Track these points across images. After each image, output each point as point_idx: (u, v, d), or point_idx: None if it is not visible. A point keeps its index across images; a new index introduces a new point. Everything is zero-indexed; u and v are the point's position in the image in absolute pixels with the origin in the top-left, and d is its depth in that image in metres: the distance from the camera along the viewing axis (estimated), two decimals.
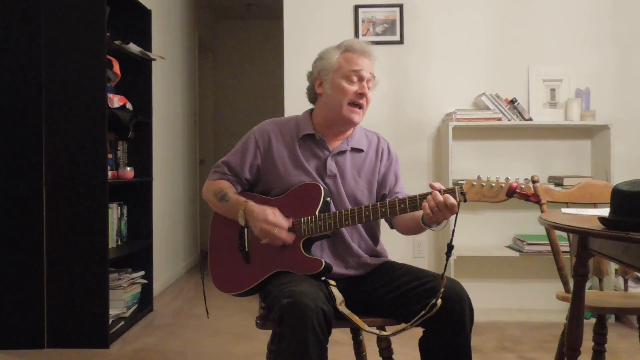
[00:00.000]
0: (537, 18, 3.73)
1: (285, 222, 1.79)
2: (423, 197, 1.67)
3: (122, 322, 3.31)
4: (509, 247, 3.64)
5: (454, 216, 1.66)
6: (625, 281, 2.36)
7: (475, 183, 1.64)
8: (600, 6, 3.71)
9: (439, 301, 1.63)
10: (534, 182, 2.23)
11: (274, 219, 1.78)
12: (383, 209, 1.73)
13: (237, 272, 1.89)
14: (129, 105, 3.42)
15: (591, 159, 3.70)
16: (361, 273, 1.90)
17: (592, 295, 2.19)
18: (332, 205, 1.85)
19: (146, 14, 3.71)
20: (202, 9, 6.12)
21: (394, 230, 2.00)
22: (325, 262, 1.77)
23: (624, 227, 1.37)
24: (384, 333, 1.77)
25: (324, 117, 1.92)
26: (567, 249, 2.30)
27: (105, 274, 3.04)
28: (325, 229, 1.78)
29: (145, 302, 3.68)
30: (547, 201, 2.23)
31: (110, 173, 3.18)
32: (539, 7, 3.73)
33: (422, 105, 3.76)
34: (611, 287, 3.33)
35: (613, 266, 3.29)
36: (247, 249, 1.87)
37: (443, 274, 1.68)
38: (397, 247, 3.14)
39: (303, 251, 1.79)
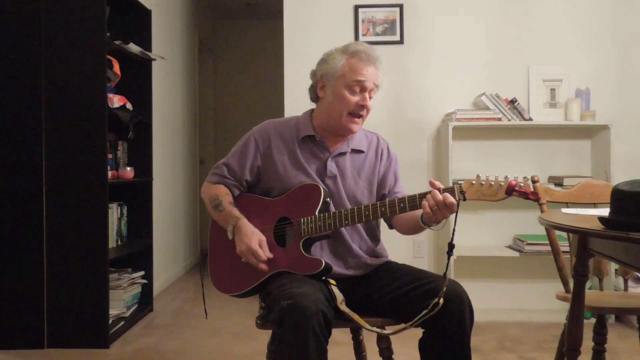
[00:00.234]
0: (537, 18, 3.73)
1: (263, 256, 1.79)
2: (422, 196, 1.67)
3: (122, 322, 3.31)
4: (509, 247, 3.64)
5: (454, 215, 1.67)
6: (625, 281, 2.35)
7: (474, 182, 1.64)
8: (600, 6, 3.71)
9: (441, 300, 1.63)
10: (534, 182, 2.23)
11: (256, 249, 1.79)
12: (383, 209, 1.73)
13: (236, 273, 1.88)
14: (129, 105, 3.42)
15: (591, 159, 3.70)
16: (361, 273, 1.90)
17: (592, 295, 2.18)
18: (332, 205, 1.85)
19: (146, 14, 3.70)
20: (202, 9, 6.12)
21: (394, 230, 2.00)
22: (325, 262, 1.77)
23: (624, 227, 1.37)
24: (384, 332, 1.77)
25: (324, 120, 1.91)
26: (567, 249, 2.30)
27: (105, 274, 3.04)
28: (325, 229, 1.78)
29: (145, 302, 3.67)
30: (547, 201, 2.23)
31: (110, 173, 3.18)
32: (539, 7, 3.73)
33: (422, 105, 3.76)
34: (611, 287, 3.33)
35: (613, 266, 3.29)
36: None
37: (445, 273, 1.68)
38: (397, 247, 3.14)
39: (303, 251, 1.79)
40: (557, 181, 3.50)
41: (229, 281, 1.91)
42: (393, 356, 1.90)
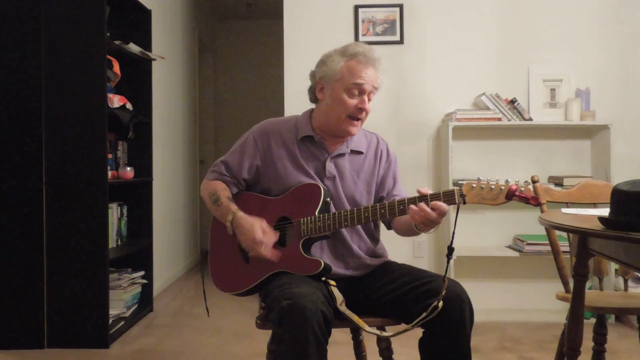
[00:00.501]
0: (537, 18, 3.73)
1: (271, 239, 1.78)
2: (422, 199, 1.67)
3: (122, 322, 3.31)
4: (509, 247, 3.64)
5: (454, 218, 1.66)
6: (625, 281, 2.35)
7: (474, 185, 1.63)
8: (601, 6, 3.71)
9: (440, 303, 1.63)
10: (533, 182, 2.22)
11: (260, 238, 1.77)
12: (382, 210, 1.73)
13: (237, 272, 1.89)
14: (129, 105, 3.42)
15: (591, 159, 3.70)
16: (361, 273, 1.90)
17: (592, 295, 2.18)
18: (332, 205, 1.85)
19: (146, 14, 3.71)
20: (202, 9, 6.12)
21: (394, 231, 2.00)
22: (324, 262, 1.77)
23: (624, 227, 1.37)
24: (384, 334, 1.77)
25: (323, 122, 1.91)
26: (567, 249, 2.29)
27: (105, 274, 3.04)
28: (325, 230, 1.78)
29: (145, 302, 3.67)
30: (547, 201, 2.23)
31: (110, 173, 3.18)
32: (539, 6, 3.73)
33: (422, 105, 3.76)
34: (611, 287, 3.33)
35: (613, 266, 3.29)
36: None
37: (444, 277, 1.68)
38: (397, 247, 3.14)
39: (302, 252, 1.79)
40: (557, 181, 3.50)
41: (230, 280, 1.91)
42: (393, 356, 1.90)
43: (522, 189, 1.60)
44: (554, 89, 3.69)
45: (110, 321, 3.13)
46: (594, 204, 2.24)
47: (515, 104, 3.57)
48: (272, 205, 1.87)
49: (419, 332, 1.74)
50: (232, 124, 6.71)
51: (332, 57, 1.87)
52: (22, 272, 2.99)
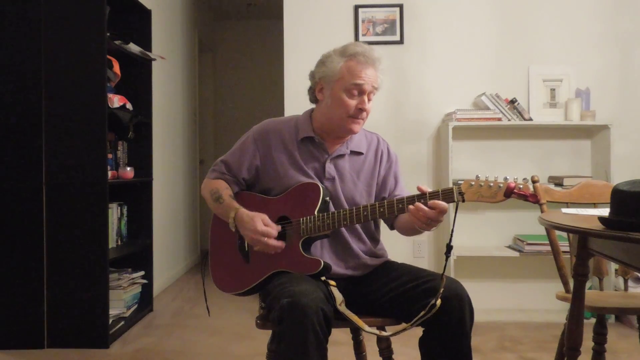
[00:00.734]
0: (537, 18, 3.73)
1: (273, 230, 1.78)
2: (421, 197, 1.67)
3: (122, 322, 3.31)
4: (509, 247, 3.64)
5: (452, 216, 1.66)
6: (625, 281, 2.35)
7: (473, 183, 1.63)
8: (601, 6, 3.71)
9: (439, 301, 1.63)
10: (533, 182, 2.23)
11: (262, 229, 1.76)
12: (381, 209, 1.73)
13: (237, 271, 1.89)
14: (129, 105, 3.42)
15: (591, 159, 3.70)
16: (361, 273, 1.90)
17: (592, 295, 2.18)
18: (331, 205, 1.85)
19: (146, 14, 3.71)
20: (202, 9, 6.13)
21: (394, 230, 2.00)
22: (324, 262, 1.77)
23: (624, 227, 1.37)
24: (384, 333, 1.77)
25: (323, 122, 1.90)
26: (567, 249, 2.29)
27: (105, 274, 3.04)
28: (324, 229, 1.78)
29: (145, 302, 3.67)
30: (547, 201, 2.23)
31: (110, 173, 3.18)
32: (539, 7, 3.73)
33: (422, 105, 3.76)
34: (611, 287, 3.33)
35: (613, 266, 3.29)
36: (247, 249, 1.87)
37: (442, 274, 1.68)
38: (397, 247, 3.14)
39: (302, 251, 1.79)
40: (557, 181, 3.50)
41: (230, 280, 1.91)
42: (393, 356, 1.90)
43: (521, 186, 1.60)
44: (554, 89, 3.69)
45: (110, 321, 3.13)
46: (594, 204, 2.24)
47: (515, 104, 3.57)
48: (271, 205, 1.87)
49: (419, 332, 1.74)
50: (232, 124, 6.71)
51: (331, 58, 1.86)
52: (22, 272, 2.99)
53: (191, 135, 5.59)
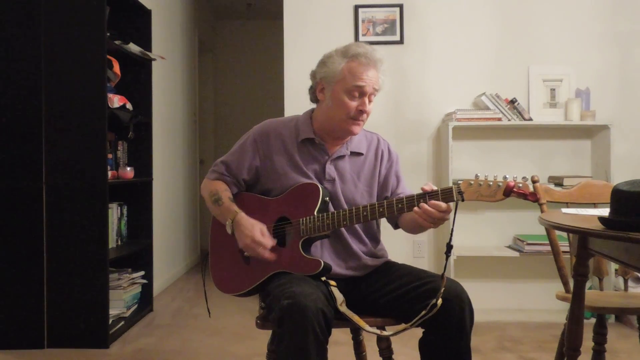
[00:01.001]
0: (537, 18, 3.73)
1: (269, 242, 1.80)
2: (421, 197, 1.67)
3: (122, 322, 3.31)
4: (509, 247, 3.64)
5: (452, 215, 1.66)
6: (625, 281, 2.35)
7: (472, 182, 1.63)
8: (601, 6, 3.71)
9: (439, 301, 1.63)
10: (533, 182, 2.22)
11: (260, 239, 1.78)
12: (381, 209, 1.73)
13: (237, 272, 1.89)
14: (129, 105, 3.42)
15: (591, 159, 3.70)
16: (361, 274, 1.89)
17: (592, 295, 2.18)
18: (330, 206, 1.85)
19: (146, 14, 3.71)
20: (202, 9, 6.12)
21: (394, 231, 2.00)
22: (324, 262, 1.77)
23: (624, 227, 1.37)
24: (384, 333, 1.77)
25: (324, 123, 1.90)
26: (567, 249, 2.29)
27: (105, 274, 3.04)
28: (324, 229, 1.78)
29: (145, 302, 3.67)
30: (547, 201, 2.23)
31: (110, 173, 3.18)
32: (539, 6, 3.73)
33: (422, 105, 3.77)
34: (611, 287, 3.33)
35: (613, 266, 3.29)
36: None
37: (443, 274, 1.68)
38: (397, 247, 3.14)
39: (302, 252, 1.79)
40: (557, 181, 3.50)
41: (230, 281, 1.91)
42: (393, 356, 1.90)
43: (520, 184, 1.60)
44: (554, 89, 3.69)
45: (110, 321, 3.13)
46: (594, 204, 2.24)
47: (515, 104, 3.57)
48: (271, 206, 1.87)
49: (419, 332, 1.74)
50: (232, 124, 6.72)
51: (332, 58, 1.85)
52: (22, 272, 2.99)
53: (191, 135, 5.59)
